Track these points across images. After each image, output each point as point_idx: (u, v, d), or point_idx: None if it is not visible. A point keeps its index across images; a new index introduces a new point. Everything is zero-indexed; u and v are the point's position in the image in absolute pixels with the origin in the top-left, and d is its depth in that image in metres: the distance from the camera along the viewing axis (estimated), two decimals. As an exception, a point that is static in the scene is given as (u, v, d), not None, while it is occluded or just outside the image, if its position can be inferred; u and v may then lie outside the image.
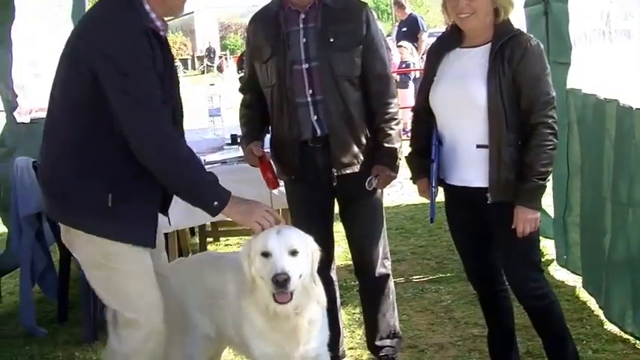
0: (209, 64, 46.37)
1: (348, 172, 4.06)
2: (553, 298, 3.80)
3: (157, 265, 3.58)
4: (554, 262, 5.92)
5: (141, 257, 3.44)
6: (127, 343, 3.47)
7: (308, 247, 3.41)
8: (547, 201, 6.13)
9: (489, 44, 3.61)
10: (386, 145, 4.05)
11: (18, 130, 6.13)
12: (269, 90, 4.12)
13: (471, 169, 3.68)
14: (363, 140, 4.09)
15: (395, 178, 4.16)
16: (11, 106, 6.18)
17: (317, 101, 4.01)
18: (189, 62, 50.03)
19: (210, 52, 48.56)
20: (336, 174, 4.07)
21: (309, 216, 4.18)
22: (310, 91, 4.01)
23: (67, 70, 3.36)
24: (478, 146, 3.63)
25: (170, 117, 3.40)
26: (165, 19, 3.47)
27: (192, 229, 7.38)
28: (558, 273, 5.76)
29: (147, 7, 3.35)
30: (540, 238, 5.94)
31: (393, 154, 4.06)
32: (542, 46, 3.68)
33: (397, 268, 6.16)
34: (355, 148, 4.06)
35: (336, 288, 4.42)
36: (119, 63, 3.19)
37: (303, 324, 3.40)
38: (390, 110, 4.08)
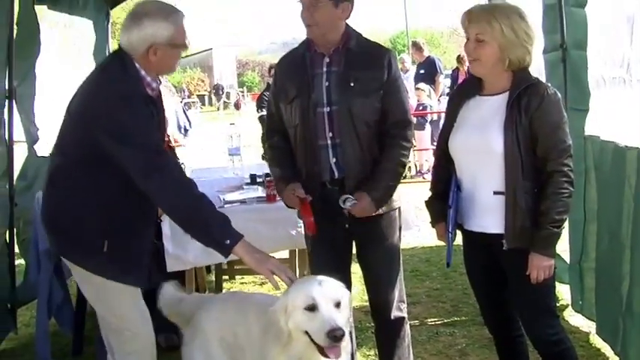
0: (226, 100, 46.61)
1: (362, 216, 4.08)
2: (568, 344, 3.82)
3: None
4: (569, 308, 5.89)
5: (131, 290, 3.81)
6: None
7: (346, 296, 3.41)
8: (563, 246, 6.15)
9: (507, 93, 3.66)
10: (379, 180, 4.06)
11: (38, 163, 6.21)
12: (293, 130, 4.19)
13: (488, 215, 3.72)
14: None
15: (372, 213, 4.08)
16: (32, 139, 6.27)
17: (336, 144, 4.07)
18: (207, 98, 50.31)
19: (218, 90, 48.82)
20: (349, 216, 4.10)
21: (328, 257, 4.23)
22: (330, 134, 4.07)
23: (76, 128, 3.69)
24: (495, 193, 3.67)
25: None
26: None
27: (208, 267, 7.41)
28: (573, 318, 5.74)
29: (142, 72, 3.67)
30: (556, 283, 6.01)
31: (382, 189, 4.06)
32: (559, 95, 3.72)
33: (412, 310, 6.15)
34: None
35: (352, 330, 4.41)
36: (127, 130, 3.52)
37: None
38: (400, 152, 4.10)
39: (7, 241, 5.93)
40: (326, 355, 3.22)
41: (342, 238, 4.24)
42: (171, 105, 13.84)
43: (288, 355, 3.34)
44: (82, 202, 3.72)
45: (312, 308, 3.25)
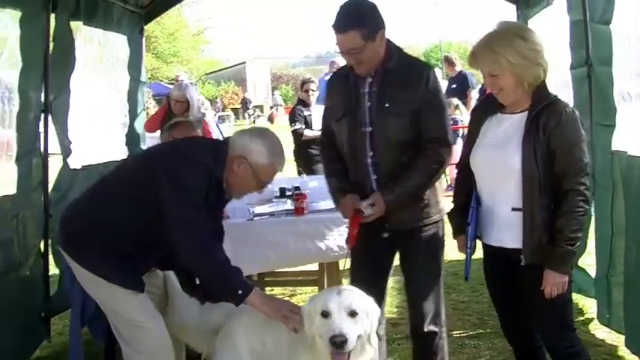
0: (260, 113, 46.89)
1: (402, 228, 4.19)
2: (585, 357, 3.86)
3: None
4: (595, 321, 5.93)
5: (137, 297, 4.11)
6: (139, 355, 4.11)
7: (367, 308, 3.51)
8: (589, 260, 6.19)
9: (527, 111, 3.73)
10: (397, 184, 4.12)
11: (71, 175, 6.35)
12: (342, 146, 4.31)
13: (507, 230, 3.79)
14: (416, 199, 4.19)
15: (381, 214, 4.13)
16: (66, 152, 6.42)
17: (376, 162, 4.16)
18: (240, 112, 50.67)
19: (246, 103, 49.20)
20: (389, 228, 4.20)
21: (365, 269, 4.34)
22: (371, 152, 4.16)
23: (141, 170, 4.16)
24: (513, 209, 3.74)
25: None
26: None
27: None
28: (599, 331, 5.77)
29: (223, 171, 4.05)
30: (581, 296, 6.03)
31: (397, 194, 4.10)
32: (577, 113, 3.78)
33: (438, 323, 6.23)
34: (408, 206, 4.18)
35: (384, 343, 4.50)
36: (184, 181, 3.90)
37: None
38: (428, 164, 4.12)
39: (42, 251, 6.07)
40: None
41: (382, 250, 4.32)
42: (206, 119, 14.04)
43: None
44: (111, 213, 4.05)
45: (326, 315, 3.40)
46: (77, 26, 6.69)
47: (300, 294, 7.43)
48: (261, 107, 51.33)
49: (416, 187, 4.14)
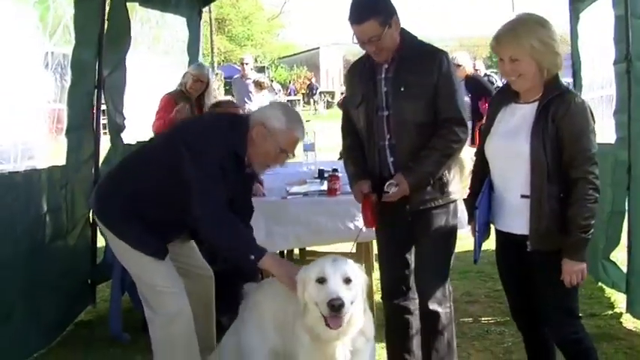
0: (330, 100, 47.07)
1: (421, 208, 4.31)
2: (588, 344, 3.94)
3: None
4: (623, 315, 5.98)
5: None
6: (159, 317, 4.33)
7: (359, 276, 3.67)
8: (621, 256, 6.23)
9: (538, 101, 3.83)
10: (418, 164, 4.23)
11: (124, 150, 6.62)
12: (361, 132, 4.46)
13: (516, 217, 3.89)
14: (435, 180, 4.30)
15: (406, 193, 4.24)
16: (119, 128, 6.69)
17: (393, 145, 4.30)
18: (308, 97, 50.93)
19: (311, 90, 49.38)
20: (409, 210, 4.32)
21: (389, 251, 4.52)
22: (389, 135, 4.30)
23: (166, 142, 4.42)
24: (522, 196, 3.84)
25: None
26: None
27: (281, 256, 7.70)
28: (625, 326, 5.82)
29: (245, 144, 4.23)
30: (613, 291, 6.07)
31: (419, 174, 4.22)
32: (587, 104, 3.83)
33: (469, 308, 6.38)
34: (425, 189, 4.29)
35: (413, 317, 4.58)
36: (203, 158, 4.09)
37: (343, 352, 3.63)
38: (446, 144, 4.23)
39: (91, 220, 6.37)
40: (329, 326, 3.51)
41: (403, 232, 4.43)
42: (266, 101, 14.26)
43: (306, 327, 3.66)
44: (138, 183, 4.30)
45: (321, 281, 3.57)
46: (133, 7, 6.95)
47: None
48: (332, 93, 51.44)
49: (435, 165, 4.23)
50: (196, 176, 4.06)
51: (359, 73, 4.48)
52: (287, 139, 4.24)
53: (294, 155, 4.40)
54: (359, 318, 3.65)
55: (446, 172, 4.34)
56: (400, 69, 4.27)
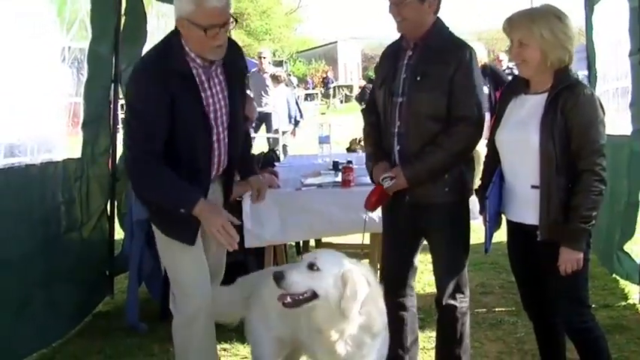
0: (348, 93, 47.13)
1: (422, 202, 4.28)
2: (598, 333, 3.98)
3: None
4: (636, 306, 6.03)
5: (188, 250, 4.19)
6: (180, 315, 4.29)
7: (337, 269, 3.61)
8: (636, 248, 6.24)
9: (547, 93, 3.85)
10: (419, 160, 4.21)
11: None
12: (379, 114, 4.45)
13: (526, 207, 3.93)
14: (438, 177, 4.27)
15: (403, 187, 4.23)
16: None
17: (401, 133, 4.28)
18: (331, 91, 50.95)
19: (326, 83, 49.42)
20: (408, 202, 4.31)
21: (394, 241, 4.50)
22: (398, 122, 4.28)
23: None
24: (532, 187, 3.87)
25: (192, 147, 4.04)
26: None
27: (297, 249, 7.77)
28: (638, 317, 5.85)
29: (186, 47, 3.97)
30: (627, 282, 6.08)
31: (417, 170, 4.20)
32: (596, 96, 3.87)
33: (482, 299, 6.42)
34: (427, 184, 4.25)
35: (408, 314, 4.58)
36: (129, 100, 4.24)
37: (344, 345, 3.64)
38: (453, 142, 4.19)
39: (109, 213, 6.45)
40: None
41: (406, 224, 4.40)
42: (283, 95, 14.32)
43: None
44: None
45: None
46: (150, 1, 7.01)
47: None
48: (350, 87, 51.42)
49: (438, 164, 4.20)
50: (124, 128, 4.12)
51: (387, 55, 4.50)
52: (202, 15, 3.83)
53: (224, 27, 3.94)
54: (352, 314, 3.58)
55: (461, 168, 4.30)
56: (421, 58, 4.25)
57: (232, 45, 4.24)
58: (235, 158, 4.37)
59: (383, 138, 4.41)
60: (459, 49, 4.26)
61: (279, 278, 3.56)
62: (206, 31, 3.84)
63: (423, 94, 4.21)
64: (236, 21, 4.11)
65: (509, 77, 14.43)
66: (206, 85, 4.07)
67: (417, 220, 4.36)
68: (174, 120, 3.92)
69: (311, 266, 3.59)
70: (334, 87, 49.15)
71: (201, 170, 4.10)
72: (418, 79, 4.22)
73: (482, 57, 10.23)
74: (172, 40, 4.01)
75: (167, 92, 3.88)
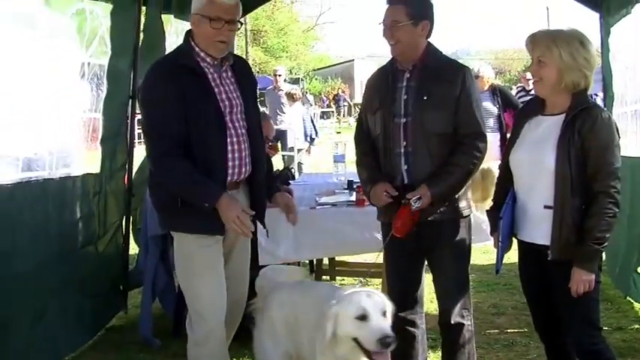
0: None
1: (429, 219, 4.31)
2: (609, 355, 3.97)
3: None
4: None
5: (208, 257, 4.26)
6: (193, 335, 4.31)
7: (390, 306, 3.79)
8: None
9: (565, 114, 3.88)
10: (441, 178, 4.26)
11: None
12: (376, 138, 4.48)
13: (538, 227, 3.94)
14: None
15: (427, 204, 4.23)
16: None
17: (408, 152, 4.33)
18: (346, 109, 51.01)
19: (338, 101, 49.57)
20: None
21: (399, 259, 4.51)
22: (404, 142, 4.33)
23: None
24: (545, 207, 3.89)
25: (203, 139, 4.13)
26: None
27: (311, 267, 7.79)
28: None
29: (196, 47, 4.19)
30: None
31: (442, 187, 4.24)
32: (613, 119, 3.89)
33: (495, 320, 6.42)
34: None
35: (419, 331, 4.60)
36: (142, 102, 4.38)
37: None
38: (468, 159, 4.29)
39: (123, 228, 6.50)
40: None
41: (413, 243, 4.41)
42: (299, 113, 14.38)
43: (335, 355, 3.73)
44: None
45: (362, 318, 3.63)
46: (168, 19, 7.08)
47: (369, 285, 7.63)
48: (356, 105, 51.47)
49: (458, 182, 4.30)
50: (143, 129, 4.30)
51: (379, 80, 4.55)
52: (211, 7, 4.08)
53: (230, 25, 4.13)
54: None
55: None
56: (424, 78, 4.33)
57: (241, 59, 4.56)
58: (261, 165, 4.45)
59: (385, 161, 4.43)
60: (460, 69, 4.39)
61: (392, 343, 3.57)
62: (211, 21, 4.07)
63: (431, 112, 4.29)
64: (241, 24, 4.31)
65: (527, 99, 14.51)
66: (218, 82, 4.24)
67: (422, 237, 4.38)
68: (188, 116, 4.08)
69: (384, 314, 3.69)
70: (349, 105, 49.24)
71: (216, 170, 4.17)
72: (425, 98, 4.30)
73: (490, 78, 10.27)
74: (184, 42, 4.27)
75: (178, 88, 4.07)
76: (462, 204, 4.44)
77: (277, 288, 4.37)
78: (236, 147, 4.23)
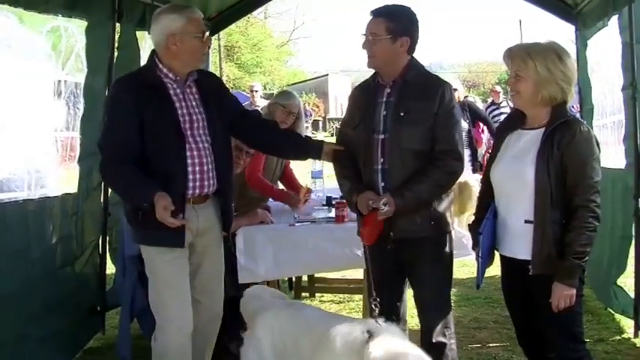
0: (338, 126, 47.31)
1: (407, 237, 4.26)
2: None
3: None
4: (631, 340, 6.01)
5: (170, 269, 4.39)
6: (157, 345, 4.46)
7: None
8: (629, 282, 6.23)
9: (544, 128, 3.87)
10: (408, 190, 4.21)
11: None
12: (358, 153, 4.46)
13: (519, 242, 3.93)
14: (424, 209, 4.29)
15: (390, 214, 4.18)
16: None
17: (385, 169, 4.30)
18: (321, 124, 51.03)
19: (305, 114, 49.51)
20: (393, 237, 4.28)
21: (381, 276, 4.39)
22: (382, 159, 4.31)
23: None
24: (526, 221, 3.88)
25: (165, 152, 4.27)
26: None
27: (290, 284, 7.74)
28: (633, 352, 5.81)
29: (160, 65, 4.32)
30: (622, 317, 6.07)
31: (408, 199, 4.18)
32: (592, 132, 3.88)
33: (477, 334, 6.38)
34: (415, 216, 4.26)
35: None
36: (104, 111, 4.64)
37: None
38: (440, 175, 4.25)
39: (100, 247, 6.41)
40: None
41: (392, 259, 4.38)
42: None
43: None
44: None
45: None
46: (143, 35, 7.02)
47: (349, 301, 7.60)
48: (340, 120, 51.47)
49: (425, 194, 4.25)
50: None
51: (360, 95, 4.54)
52: (195, 25, 4.34)
53: (205, 31, 4.42)
54: None
55: (436, 204, 4.35)
56: (403, 94, 4.30)
57: (209, 75, 4.85)
58: (228, 181, 4.54)
59: (365, 176, 4.40)
60: (440, 86, 4.34)
61: None
62: (203, 35, 4.34)
63: (408, 129, 4.26)
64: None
65: (497, 112, 14.63)
66: (180, 97, 4.36)
67: (402, 255, 4.36)
68: (146, 129, 4.19)
69: None
70: (323, 119, 49.21)
71: (176, 183, 4.26)
72: (402, 114, 4.26)
73: (459, 93, 10.36)
74: (148, 60, 4.44)
75: (137, 101, 4.21)
76: (444, 220, 4.40)
77: (263, 309, 4.30)
78: (197, 160, 4.33)
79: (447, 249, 4.44)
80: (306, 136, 5.20)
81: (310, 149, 4.72)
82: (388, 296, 4.43)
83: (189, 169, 4.30)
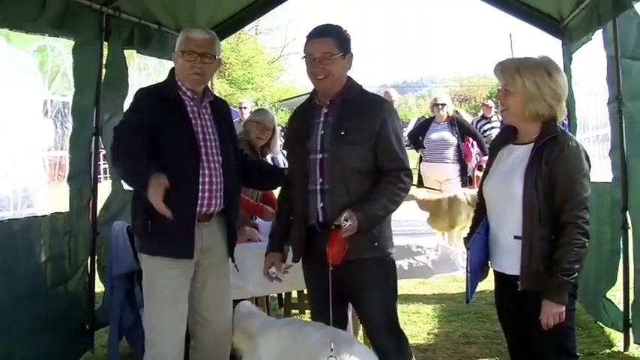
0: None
1: (349, 258, 4.10)
2: None
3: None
4: (621, 354, 6.00)
5: (170, 286, 4.40)
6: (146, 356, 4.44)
7: None
8: (618, 295, 6.24)
9: (534, 143, 3.87)
10: (368, 206, 4.13)
11: (124, 195, 6.64)
12: (293, 175, 4.43)
13: (509, 257, 3.92)
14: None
15: (354, 231, 4.05)
16: (118, 174, 6.73)
17: (324, 190, 4.23)
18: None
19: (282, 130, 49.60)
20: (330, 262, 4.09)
21: (321, 297, 4.23)
22: (320, 179, 4.23)
23: None
24: (516, 237, 3.87)
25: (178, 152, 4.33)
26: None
27: (280, 300, 7.72)
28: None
29: (179, 82, 4.52)
30: (612, 330, 6.08)
31: (369, 215, 4.09)
32: (581, 148, 3.85)
33: (466, 350, 6.38)
34: (356, 237, 4.10)
35: None
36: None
37: None
38: (393, 190, 4.20)
39: (89, 266, 6.39)
40: None
41: (333, 283, 4.07)
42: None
43: None
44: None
45: None
46: (131, 54, 7.04)
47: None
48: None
49: (382, 211, 4.19)
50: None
51: (298, 116, 4.51)
52: (185, 42, 4.46)
53: (203, 58, 4.45)
54: None
55: (385, 222, 4.32)
56: (342, 113, 4.24)
57: (222, 100, 4.93)
58: (234, 200, 4.59)
59: (299, 200, 4.33)
60: (381, 104, 4.33)
61: None
62: (184, 54, 4.41)
63: (348, 148, 4.19)
64: (215, 58, 4.55)
65: (488, 126, 14.66)
66: (196, 115, 4.45)
67: (343, 277, 4.15)
68: (162, 141, 4.25)
69: None
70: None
71: (186, 197, 4.30)
72: (342, 133, 4.20)
73: (448, 109, 10.41)
74: (168, 76, 4.60)
75: (155, 110, 4.32)
76: (384, 242, 4.33)
77: (265, 327, 4.27)
78: (207, 179, 4.39)
79: (391, 270, 4.38)
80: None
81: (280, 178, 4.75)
82: (328, 319, 4.13)
83: (200, 187, 4.36)
